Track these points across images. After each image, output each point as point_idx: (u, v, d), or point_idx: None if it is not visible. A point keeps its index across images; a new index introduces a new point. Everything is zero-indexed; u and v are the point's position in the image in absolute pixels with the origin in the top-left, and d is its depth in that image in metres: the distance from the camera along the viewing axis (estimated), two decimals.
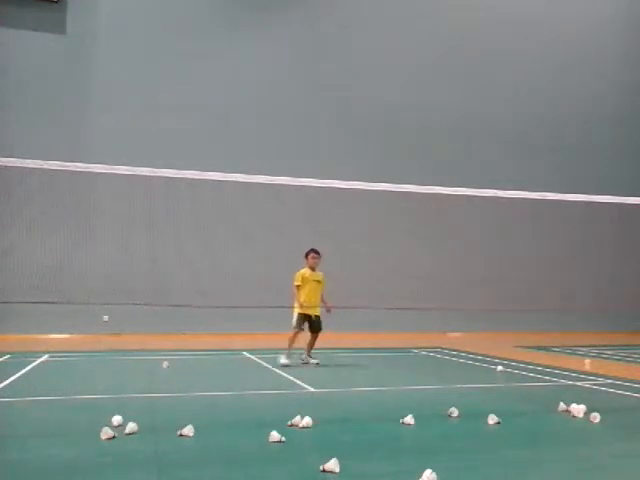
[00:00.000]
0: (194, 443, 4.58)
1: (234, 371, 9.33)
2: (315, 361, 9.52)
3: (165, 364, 9.21)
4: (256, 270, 15.10)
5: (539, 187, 8.43)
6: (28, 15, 15.79)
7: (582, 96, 19.81)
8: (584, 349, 12.91)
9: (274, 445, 4.48)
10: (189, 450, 4.40)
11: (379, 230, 17.03)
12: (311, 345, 9.65)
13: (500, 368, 9.25)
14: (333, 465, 3.81)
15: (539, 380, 8.26)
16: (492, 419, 5.29)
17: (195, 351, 11.97)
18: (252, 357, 10.62)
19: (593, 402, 5.97)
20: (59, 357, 10.58)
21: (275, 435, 4.57)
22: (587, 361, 10.95)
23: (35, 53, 15.72)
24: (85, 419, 5.39)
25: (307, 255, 9.61)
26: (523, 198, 7.41)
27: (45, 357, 10.38)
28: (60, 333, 14.91)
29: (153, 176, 6.39)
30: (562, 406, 5.85)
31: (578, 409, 5.65)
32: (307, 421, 5.08)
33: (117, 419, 5.01)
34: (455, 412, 5.60)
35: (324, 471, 3.79)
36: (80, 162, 6.55)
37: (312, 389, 7.27)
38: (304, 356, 9.63)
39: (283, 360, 9.30)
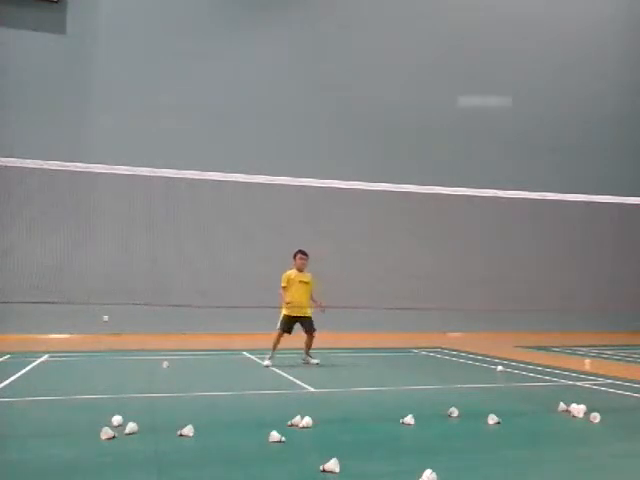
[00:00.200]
0: (194, 443, 4.58)
1: (234, 371, 9.33)
2: (315, 361, 9.51)
3: (165, 364, 9.21)
4: (256, 270, 15.08)
5: (539, 187, 8.42)
6: (28, 15, 15.79)
7: (582, 96, 19.81)
8: (584, 349, 12.91)
9: (274, 445, 4.48)
10: (189, 450, 4.40)
11: (379, 230, 17.03)
12: (308, 345, 9.60)
13: (500, 368, 9.25)
14: (333, 465, 3.81)
15: (539, 380, 8.26)
16: (492, 419, 5.29)
17: (195, 351, 11.97)
18: (252, 357, 10.62)
19: (593, 402, 5.97)
20: (59, 357, 10.58)
21: (275, 435, 4.57)
22: (587, 361, 10.95)
23: (35, 53, 15.72)
24: (85, 419, 5.39)
25: (295, 256, 9.58)
26: (523, 198, 7.41)
27: (45, 357, 10.38)
28: (60, 333, 14.92)
29: (153, 176, 6.39)
30: (562, 406, 5.85)
31: (578, 409, 5.65)
32: (307, 421, 5.08)
33: (117, 419, 5.01)
34: (455, 412, 5.60)
35: (324, 471, 3.79)
36: (80, 162, 6.55)
37: (312, 389, 7.27)
38: (304, 356, 9.63)
39: (266, 361, 9.30)
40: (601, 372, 8.95)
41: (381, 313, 13.70)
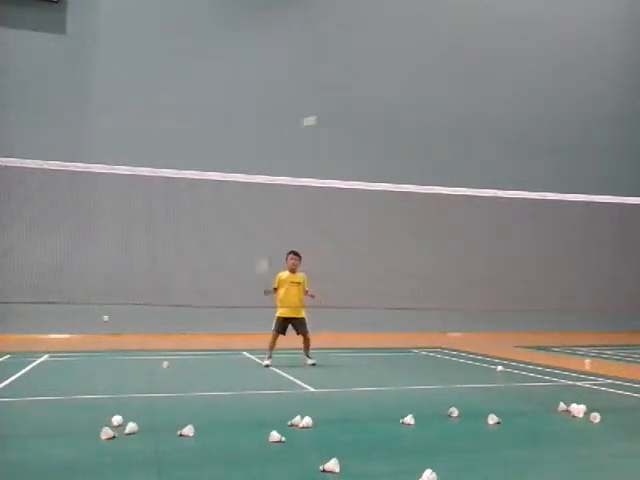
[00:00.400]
0: (194, 443, 4.58)
1: (234, 371, 9.33)
2: (311, 362, 9.42)
3: (165, 364, 9.22)
4: (256, 270, 15.07)
5: (539, 187, 8.42)
6: (28, 15, 15.80)
7: (582, 96, 19.81)
8: (584, 349, 12.91)
9: (274, 445, 4.48)
10: (189, 450, 4.40)
11: (379, 230, 17.02)
12: (305, 346, 9.56)
13: (500, 368, 9.25)
14: (333, 465, 3.81)
15: (539, 380, 8.26)
16: (492, 419, 5.29)
17: (195, 351, 11.97)
18: (252, 357, 10.62)
19: (593, 402, 5.97)
20: (59, 357, 10.59)
21: (275, 435, 4.57)
22: (587, 361, 10.95)
23: (35, 53, 15.72)
24: (85, 419, 5.39)
25: (286, 257, 9.57)
26: (523, 198, 7.41)
27: (45, 357, 10.38)
28: (60, 333, 14.92)
29: (153, 176, 6.40)
30: (562, 406, 5.85)
31: (578, 409, 5.65)
32: (307, 421, 5.08)
33: (117, 419, 5.01)
34: (455, 412, 5.61)
35: (324, 471, 3.79)
36: (80, 162, 6.55)
37: (312, 389, 7.27)
38: (304, 357, 9.61)
39: (265, 361, 9.32)
40: (601, 372, 8.96)
41: (381, 313, 13.69)
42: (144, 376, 8.42)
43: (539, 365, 9.81)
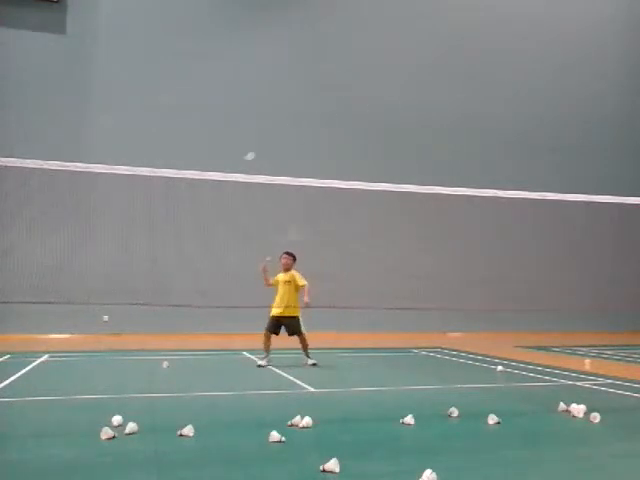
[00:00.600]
0: (194, 443, 4.58)
1: (234, 371, 9.33)
2: (312, 362, 9.38)
3: (165, 364, 9.22)
4: (256, 270, 15.08)
5: (539, 187, 8.43)
6: (28, 15, 15.79)
7: (582, 96, 19.81)
8: (584, 349, 12.91)
9: (274, 445, 4.48)
10: (189, 450, 4.40)
11: (379, 230, 17.02)
12: (303, 346, 9.50)
13: (500, 368, 9.25)
14: (333, 465, 3.81)
15: (539, 380, 8.26)
16: (492, 419, 5.29)
17: (195, 351, 11.98)
18: (252, 357, 10.61)
19: (593, 402, 5.97)
20: (59, 357, 10.59)
21: (275, 435, 4.57)
22: (587, 361, 10.95)
23: (35, 53, 15.72)
24: (85, 419, 5.39)
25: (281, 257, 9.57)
26: (523, 198, 7.42)
27: (45, 357, 10.38)
28: (60, 333, 14.92)
29: (153, 176, 6.40)
30: (562, 406, 5.85)
31: (578, 409, 5.65)
32: (307, 421, 5.08)
33: (117, 419, 5.01)
34: (455, 412, 5.61)
35: (324, 471, 3.79)
36: (80, 162, 6.56)
37: (312, 389, 7.27)
38: (303, 357, 9.59)
39: (260, 362, 9.31)
40: (601, 372, 8.96)
41: (381, 313, 13.69)
42: (144, 376, 8.42)
43: (539, 365, 9.81)
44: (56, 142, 14.87)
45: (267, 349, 9.35)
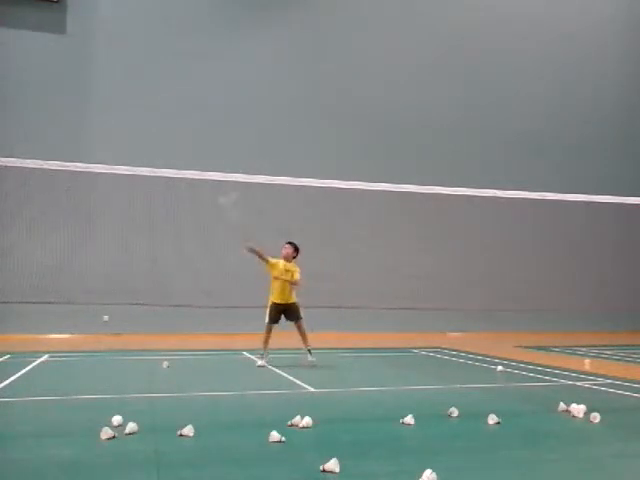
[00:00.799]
0: (194, 443, 4.58)
1: (234, 371, 9.33)
2: (311, 359, 9.33)
3: (165, 364, 9.21)
4: (256, 270, 15.09)
5: (539, 187, 8.43)
6: (28, 15, 15.79)
7: (582, 96, 19.81)
8: (584, 349, 12.91)
9: (274, 445, 4.48)
10: (189, 450, 4.40)
11: (379, 230, 17.02)
12: (303, 337, 9.44)
13: (500, 368, 9.25)
14: (333, 465, 3.81)
15: (539, 380, 8.26)
16: (492, 419, 5.29)
17: (195, 351, 11.97)
18: (252, 357, 10.60)
19: (593, 402, 5.97)
20: (59, 357, 10.58)
21: (275, 435, 4.57)
22: (587, 361, 10.95)
23: (35, 53, 15.71)
24: (85, 419, 5.39)
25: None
26: (523, 198, 7.42)
27: (45, 357, 10.38)
28: (60, 333, 14.91)
29: (153, 176, 6.40)
30: (562, 406, 5.85)
31: (578, 409, 5.65)
32: (307, 421, 5.08)
33: (117, 419, 5.01)
34: (455, 412, 5.61)
35: (324, 471, 3.79)
36: (80, 162, 6.56)
37: (312, 389, 7.27)
38: (304, 351, 9.50)
39: (259, 362, 9.28)
40: (601, 372, 8.96)
41: (381, 313, 13.71)
42: (144, 376, 8.42)
43: (539, 365, 9.81)
44: (56, 142, 14.86)
45: (266, 346, 9.33)
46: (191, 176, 6.60)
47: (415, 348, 12.68)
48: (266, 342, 9.35)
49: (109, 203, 14.87)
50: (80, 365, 9.98)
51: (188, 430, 4.74)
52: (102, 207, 14.94)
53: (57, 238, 14.11)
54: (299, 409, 5.43)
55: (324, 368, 9.32)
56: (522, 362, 10.20)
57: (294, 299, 9.45)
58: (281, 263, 9.44)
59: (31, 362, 9.55)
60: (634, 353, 12.28)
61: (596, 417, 5.40)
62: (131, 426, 4.81)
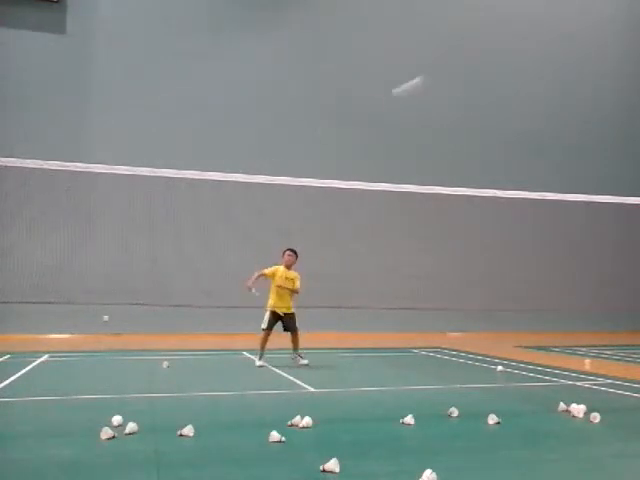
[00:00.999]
0: (194, 443, 4.58)
1: (234, 371, 9.33)
2: (304, 362, 9.36)
3: (165, 364, 9.22)
4: (256, 270, 15.09)
5: (539, 187, 8.42)
6: (28, 15, 15.79)
7: (582, 96, 19.82)
8: (584, 349, 12.91)
9: (274, 445, 4.49)
10: (189, 450, 4.40)
11: (379, 230, 17.02)
12: (295, 344, 9.49)
13: (500, 368, 9.25)
14: (333, 465, 3.81)
15: (539, 380, 8.27)
16: (492, 419, 5.29)
17: (195, 351, 11.97)
18: (252, 357, 10.60)
19: (593, 402, 5.97)
20: (59, 357, 10.58)
21: (275, 435, 4.57)
22: (587, 361, 10.95)
23: (35, 53, 15.71)
24: (85, 419, 5.39)
25: (283, 253, 9.57)
26: (523, 198, 7.41)
27: (45, 357, 10.38)
28: (60, 333, 14.92)
29: (153, 176, 6.39)
30: (562, 406, 5.85)
31: (578, 409, 5.65)
32: (307, 421, 5.08)
33: (117, 419, 5.01)
34: (455, 412, 5.61)
35: (324, 471, 3.79)
36: (80, 162, 6.56)
37: (312, 389, 7.27)
38: (293, 355, 9.52)
39: (257, 362, 9.30)
40: (601, 372, 8.96)
41: (381, 313, 13.69)
42: (144, 376, 8.42)
43: (539, 365, 9.81)
44: (56, 142, 14.86)
45: (264, 348, 9.36)
46: (191, 176, 6.59)
47: (415, 348, 12.68)
48: (263, 346, 9.37)
49: (109, 203, 14.88)
50: (80, 365, 9.98)
51: (188, 430, 4.74)
52: (102, 207, 14.94)
53: (57, 238, 14.11)
54: (299, 409, 5.43)
55: (324, 368, 9.32)
56: (522, 362, 10.20)
57: (292, 309, 9.47)
58: (280, 270, 9.45)
59: (31, 362, 9.55)
60: (634, 353, 12.28)
61: (596, 417, 5.40)
62: (131, 426, 4.82)
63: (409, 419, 5.24)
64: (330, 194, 12.18)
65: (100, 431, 4.61)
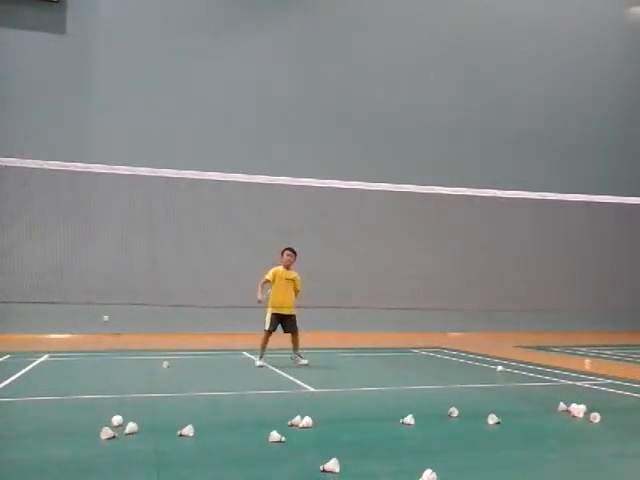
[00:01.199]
0: (194, 443, 4.58)
1: (234, 371, 9.33)
2: (304, 362, 9.36)
3: (165, 364, 9.21)
4: (256, 270, 15.09)
5: (539, 187, 8.42)
6: (28, 15, 15.79)
7: (582, 96, 19.82)
8: (584, 349, 12.91)
9: (274, 445, 4.48)
10: (189, 450, 4.40)
11: (379, 230, 17.02)
12: (295, 344, 9.50)
13: (500, 368, 9.25)
14: (333, 465, 3.81)
15: (539, 380, 8.26)
16: (492, 419, 5.29)
17: (195, 351, 11.97)
18: (252, 357, 10.60)
19: (593, 402, 5.97)
20: (59, 357, 10.58)
21: (275, 435, 4.57)
22: (587, 361, 10.95)
23: (35, 53, 15.72)
24: (85, 419, 5.39)
25: (282, 253, 9.55)
26: (523, 198, 7.41)
27: (45, 357, 10.38)
28: (60, 333, 14.92)
29: (153, 176, 6.39)
30: (562, 406, 5.85)
31: (578, 409, 5.65)
32: (307, 421, 5.08)
33: (117, 419, 5.01)
34: (455, 412, 5.61)
35: (324, 471, 3.79)
36: (80, 162, 6.55)
37: (312, 389, 7.27)
38: (293, 355, 9.52)
39: (257, 362, 9.30)
40: (601, 372, 8.96)
41: (381, 313, 13.69)
42: (144, 376, 8.42)
43: (539, 365, 9.81)
44: (56, 142, 14.86)
45: (265, 348, 9.37)
46: (191, 176, 6.59)
47: (415, 348, 12.68)
48: (264, 346, 9.38)
49: (109, 203, 14.88)
50: (80, 365, 9.98)
51: (188, 430, 4.74)
52: (102, 207, 14.94)
53: (57, 238, 14.11)
54: (299, 409, 5.43)
55: (324, 368, 9.32)
56: (522, 362, 10.20)
57: (293, 311, 9.47)
58: (280, 271, 9.45)
59: (31, 362, 9.55)
60: (634, 353, 12.28)
61: (596, 417, 5.40)
62: (131, 426, 4.81)
63: (409, 419, 5.23)
64: (330, 194, 12.18)
65: (100, 431, 4.61)
